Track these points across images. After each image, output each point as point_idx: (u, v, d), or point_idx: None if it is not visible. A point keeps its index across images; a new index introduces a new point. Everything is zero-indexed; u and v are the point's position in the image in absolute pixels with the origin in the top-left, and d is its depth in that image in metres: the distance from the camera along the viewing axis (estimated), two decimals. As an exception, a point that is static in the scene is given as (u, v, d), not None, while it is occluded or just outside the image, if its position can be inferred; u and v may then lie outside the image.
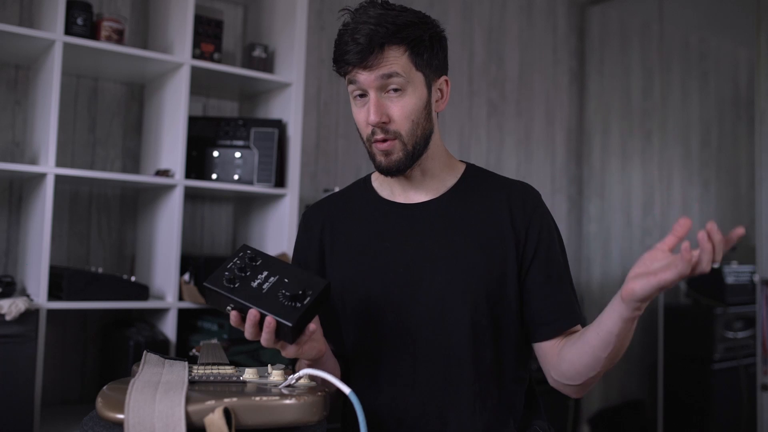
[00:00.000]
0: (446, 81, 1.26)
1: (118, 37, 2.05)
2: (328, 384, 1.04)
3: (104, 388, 1.00)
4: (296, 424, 0.97)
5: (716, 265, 1.07)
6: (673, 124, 3.49)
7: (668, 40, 3.43)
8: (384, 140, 1.19)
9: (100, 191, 2.34)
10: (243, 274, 1.06)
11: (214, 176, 2.23)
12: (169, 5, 2.22)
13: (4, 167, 1.86)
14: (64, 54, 1.94)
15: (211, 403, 0.92)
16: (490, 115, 3.27)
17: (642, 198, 3.57)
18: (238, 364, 1.15)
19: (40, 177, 1.93)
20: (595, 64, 3.58)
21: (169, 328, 2.05)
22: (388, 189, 1.31)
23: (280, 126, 2.27)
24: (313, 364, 1.13)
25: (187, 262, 2.12)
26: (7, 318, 1.73)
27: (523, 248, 1.24)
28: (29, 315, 1.78)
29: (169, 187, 2.11)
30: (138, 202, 2.37)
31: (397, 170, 1.22)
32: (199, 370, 1.07)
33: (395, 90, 1.17)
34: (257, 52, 2.33)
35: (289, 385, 1.03)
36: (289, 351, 1.08)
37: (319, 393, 1.01)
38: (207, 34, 2.20)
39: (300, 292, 1.04)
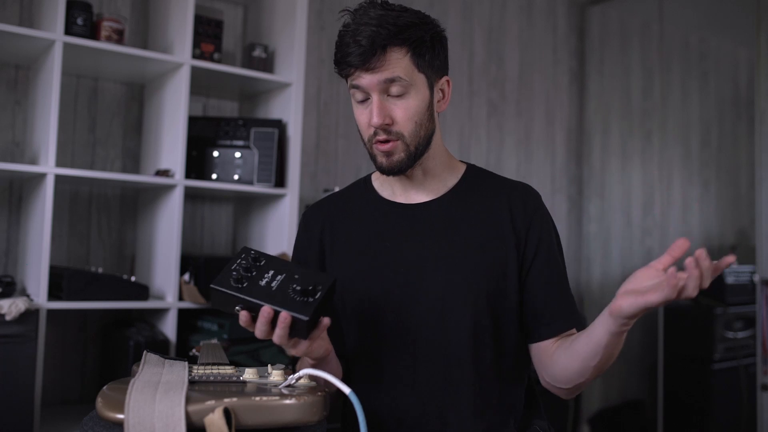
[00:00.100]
0: (448, 81, 1.26)
1: (118, 37, 2.05)
2: (328, 384, 1.04)
3: (104, 388, 1.00)
4: (296, 424, 0.97)
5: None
6: (673, 124, 3.49)
7: (668, 40, 3.43)
8: (386, 141, 1.19)
9: (100, 191, 2.34)
10: (249, 274, 1.06)
11: (214, 176, 2.23)
12: (169, 5, 2.22)
13: (4, 167, 1.86)
14: (64, 54, 1.94)
15: (211, 403, 0.92)
16: (490, 115, 3.27)
17: (642, 198, 3.57)
18: (238, 364, 1.15)
19: (40, 177, 1.93)
20: (595, 64, 3.58)
21: (169, 328, 2.05)
22: (389, 189, 1.31)
23: (280, 126, 2.27)
24: (317, 364, 1.13)
25: (187, 262, 2.12)
26: (7, 318, 1.73)
27: (524, 249, 1.24)
28: (29, 315, 1.78)
29: (169, 187, 2.11)
30: (138, 202, 2.37)
31: (399, 170, 1.22)
32: (199, 370, 1.07)
33: (398, 92, 1.17)
34: (257, 52, 2.33)
35: (289, 385, 1.03)
36: (299, 348, 1.07)
37: (319, 393, 1.01)
38: (207, 34, 2.20)
39: (310, 288, 1.04)
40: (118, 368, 2.03)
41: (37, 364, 1.81)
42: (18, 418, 1.76)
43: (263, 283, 1.05)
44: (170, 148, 2.14)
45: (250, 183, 2.22)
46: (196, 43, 2.17)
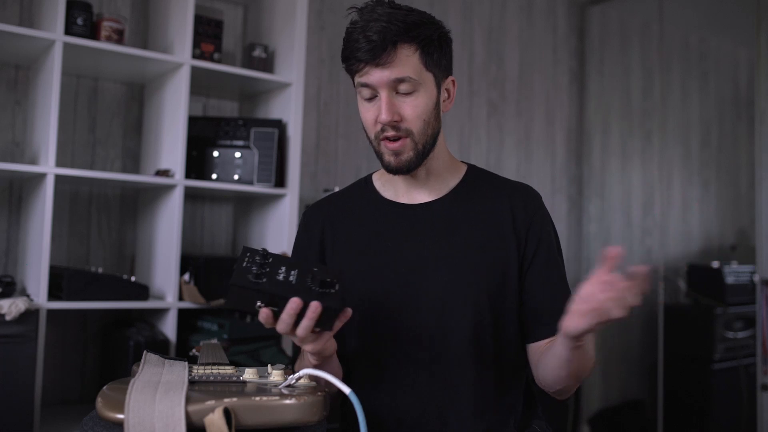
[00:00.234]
0: (453, 81, 1.26)
1: (118, 37, 2.05)
2: (328, 385, 1.04)
3: (104, 388, 1.00)
4: (296, 424, 0.97)
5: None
6: (673, 124, 3.49)
7: (668, 40, 3.43)
8: (396, 138, 1.18)
9: (100, 191, 2.34)
10: (264, 271, 1.04)
11: (214, 176, 2.23)
12: (169, 5, 2.22)
13: (4, 167, 1.86)
14: (64, 54, 1.94)
15: (211, 403, 0.92)
16: (490, 115, 3.27)
17: (642, 198, 3.57)
18: (238, 364, 1.15)
19: (40, 177, 1.93)
20: (595, 64, 3.58)
21: (169, 328, 2.05)
22: (391, 189, 1.31)
23: (280, 126, 2.27)
24: (321, 364, 1.13)
25: (187, 262, 2.12)
26: (7, 318, 1.73)
27: (524, 250, 1.24)
28: (29, 315, 1.78)
29: (169, 187, 2.11)
30: (138, 202, 2.37)
31: (407, 169, 1.21)
32: (199, 370, 1.07)
33: (407, 90, 1.17)
34: (257, 52, 2.33)
35: (289, 385, 1.03)
36: (318, 343, 1.07)
37: (319, 393, 1.01)
38: (207, 34, 2.20)
39: (328, 279, 1.05)
40: (118, 368, 2.03)
41: (37, 364, 1.81)
42: (18, 418, 1.76)
43: (281, 278, 1.04)
44: (170, 148, 2.14)
45: (250, 183, 2.22)
46: (196, 43, 2.17)
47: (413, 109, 1.17)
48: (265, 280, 1.03)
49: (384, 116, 1.16)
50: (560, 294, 1.24)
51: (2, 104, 2.18)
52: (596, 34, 3.60)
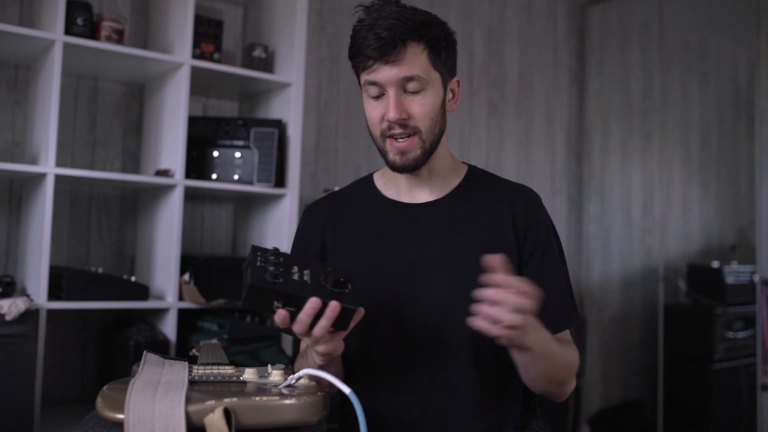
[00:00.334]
0: (458, 82, 1.27)
1: (118, 37, 2.05)
2: (328, 385, 1.04)
3: (104, 388, 1.00)
4: (296, 424, 0.97)
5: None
6: (673, 124, 3.49)
7: (668, 40, 3.43)
8: (404, 136, 1.18)
9: (100, 191, 2.34)
10: (278, 270, 1.03)
11: (214, 176, 2.23)
12: (169, 5, 2.22)
13: (4, 167, 1.86)
14: (64, 54, 1.94)
15: (211, 403, 0.92)
16: (490, 115, 3.27)
17: (642, 198, 3.57)
18: (238, 364, 1.15)
19: (40, 177, 1.93)
20: (595, 64, 3.59)
21: (169, 328, 2.05)
22: (393, 189, 1.31)
23: (280, 126, 2.27)
24: (326, 365, 1.13)
25: (187, 262, 2.12)
26: (7, 318, 1.73)
27: (522, 250, 1.24)
28: (29, 315, 1.78)
29: (169, 187, 2.11)
30: (138, 202, 2.37)
31: (413, 168, 1.22)
32: (199, 370, 1.07)
33: (415, 89, 1.17)
34: (257, 52, 2.33)
35: (289, 385, 1.03)
36: (330, 343, 1.07)
37: (319, 393, 1.01)
38: (207, 34, 2.20)
39: (341, 279, 1.05)
40: (118, 368, 2.03)
41: (37, 364, 1.81)
42: (18, 418, 1.76)
43: (296, 278, 1.04)
44: (170, 148, 2.14)
45: (250, 183, 2.22)
46: (196, 43, 2.17)
47: (421, 108, 1.18)
48: (281, 280, 1.02)
49: (392, 114, 1.16)
50: (558, 294, 1.24)
51: (2, 104, 2.18)
52: (596, 34, 3.61)
